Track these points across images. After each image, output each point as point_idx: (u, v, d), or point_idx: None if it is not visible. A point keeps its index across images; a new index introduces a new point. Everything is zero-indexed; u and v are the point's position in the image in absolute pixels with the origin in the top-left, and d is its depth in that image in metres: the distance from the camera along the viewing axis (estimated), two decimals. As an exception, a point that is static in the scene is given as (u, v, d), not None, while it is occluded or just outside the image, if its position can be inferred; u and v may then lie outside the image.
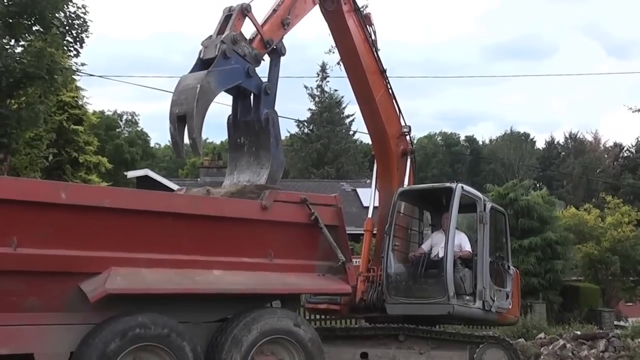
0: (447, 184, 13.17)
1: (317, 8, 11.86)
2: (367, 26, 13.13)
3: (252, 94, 9.90)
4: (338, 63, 14.46)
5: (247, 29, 10.07)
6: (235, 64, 9.51)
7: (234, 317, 8.40)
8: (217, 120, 9.86)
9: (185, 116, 8.78)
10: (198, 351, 7.86)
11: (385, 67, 13.42)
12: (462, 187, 12.72)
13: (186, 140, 8.94)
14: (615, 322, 29.35)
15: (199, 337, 8.11)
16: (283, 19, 10.45)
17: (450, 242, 12.17)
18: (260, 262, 8.69)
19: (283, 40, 10.55)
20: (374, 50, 13.26)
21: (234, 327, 8.26)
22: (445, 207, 13.31)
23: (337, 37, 12.92)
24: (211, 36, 9.83)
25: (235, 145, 10.04)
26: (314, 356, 8.78)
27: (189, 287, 7.93)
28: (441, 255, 12.41)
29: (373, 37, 13.25)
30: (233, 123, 10.07)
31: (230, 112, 10.20)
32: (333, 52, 13.90)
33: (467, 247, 12.69)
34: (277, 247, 8.84)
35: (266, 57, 10.21)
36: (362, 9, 13.06)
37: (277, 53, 10.34)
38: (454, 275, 12.09)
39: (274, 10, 10.47)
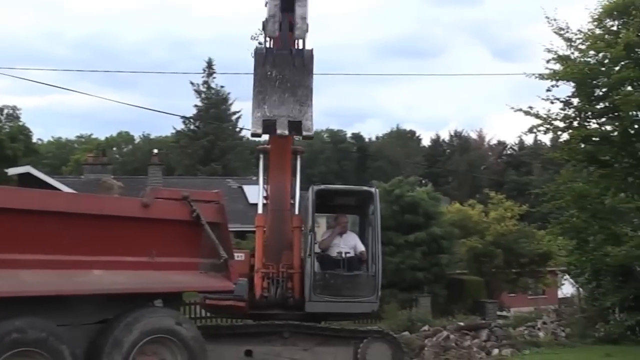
0: (366, 188, 13.76)
1: None
2: None
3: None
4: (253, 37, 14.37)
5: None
6: None
7: (115, 318, 8.23)
8: (103, 116, 9.40)
9: None
10: (77, 354, 7.67)
11: None
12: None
13: None
14: (499, 313, 30.24)
15: (79, 339, 7.91)
16: None
17: (378, 242, 12.63)
18: (143, 261, 8.54)
19: None
20: None
21: (114, 328, 8.10)
22: (334, 207, 13.69)
23: None
24: None
25: (265, 77, 9.53)
26: (197, 355, 8.66)
27: (67, 288, 7.74)
28: (351, 254, 12.84)
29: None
30: (265, 53, 9.58)
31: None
32: (256, 39, 13.87)
33: (361, 247, 12.94)
34: (159, 245, 8.70)
35: None
36: None
37: None
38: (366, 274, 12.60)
39: None
